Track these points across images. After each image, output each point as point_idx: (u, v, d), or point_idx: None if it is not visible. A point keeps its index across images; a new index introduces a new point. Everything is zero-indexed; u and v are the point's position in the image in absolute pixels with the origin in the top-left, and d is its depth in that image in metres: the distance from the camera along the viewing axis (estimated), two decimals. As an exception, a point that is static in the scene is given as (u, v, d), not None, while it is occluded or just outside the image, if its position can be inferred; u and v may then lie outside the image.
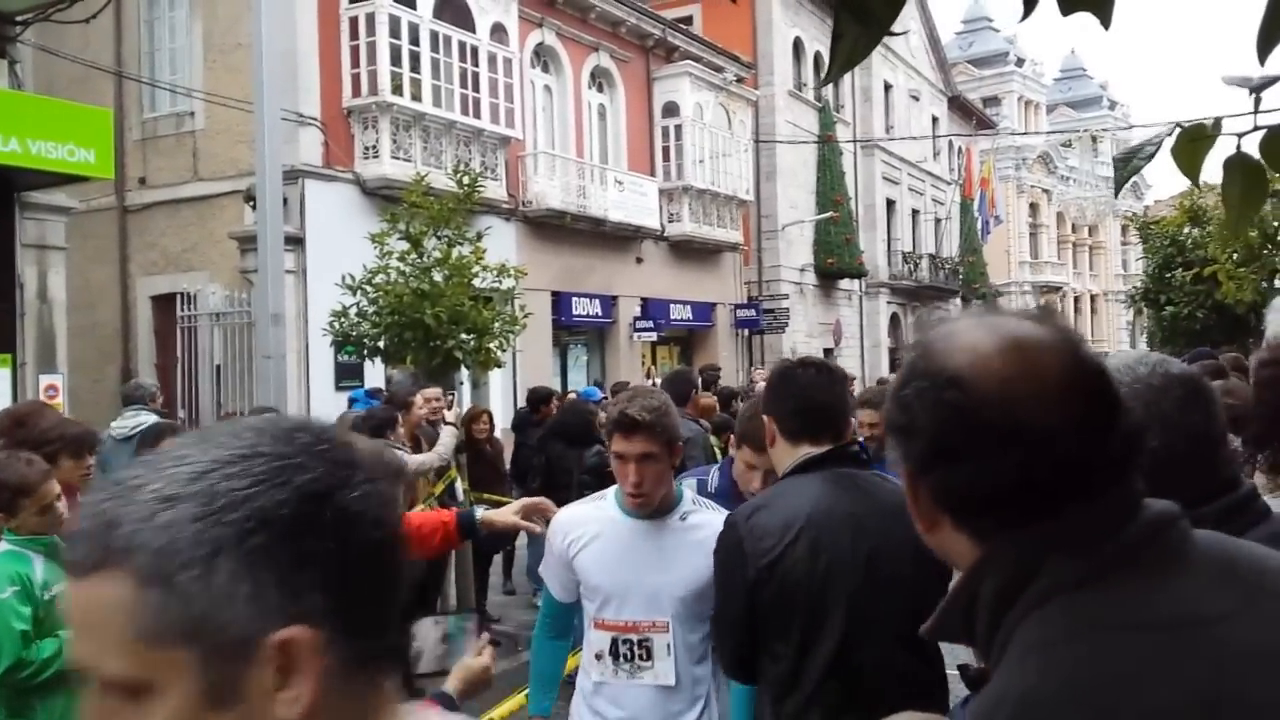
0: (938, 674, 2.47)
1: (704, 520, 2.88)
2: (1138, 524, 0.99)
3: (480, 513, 3.28)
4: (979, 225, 37.85)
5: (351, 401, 8.99)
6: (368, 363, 12.12)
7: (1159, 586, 0.96)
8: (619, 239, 19.91)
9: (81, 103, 9.53)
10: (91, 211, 13.15)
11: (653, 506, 2.86)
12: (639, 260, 20.68)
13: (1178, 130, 1.73)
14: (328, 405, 12.02)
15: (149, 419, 7.09)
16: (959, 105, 40.06)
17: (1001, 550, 1.00)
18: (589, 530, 2.95)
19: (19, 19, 9.37)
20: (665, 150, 21.49)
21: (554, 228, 17.98)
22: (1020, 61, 53.70)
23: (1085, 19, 1.29)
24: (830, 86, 28.60)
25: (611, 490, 3.01)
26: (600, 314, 19.69)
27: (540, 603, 3.23)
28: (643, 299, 20.79)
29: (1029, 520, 0.98)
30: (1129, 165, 1.76)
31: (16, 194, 9.36)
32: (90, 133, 8.75)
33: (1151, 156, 1.76)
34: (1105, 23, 1.38)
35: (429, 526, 3.27)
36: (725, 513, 2.72)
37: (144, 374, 14.83)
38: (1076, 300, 53.32)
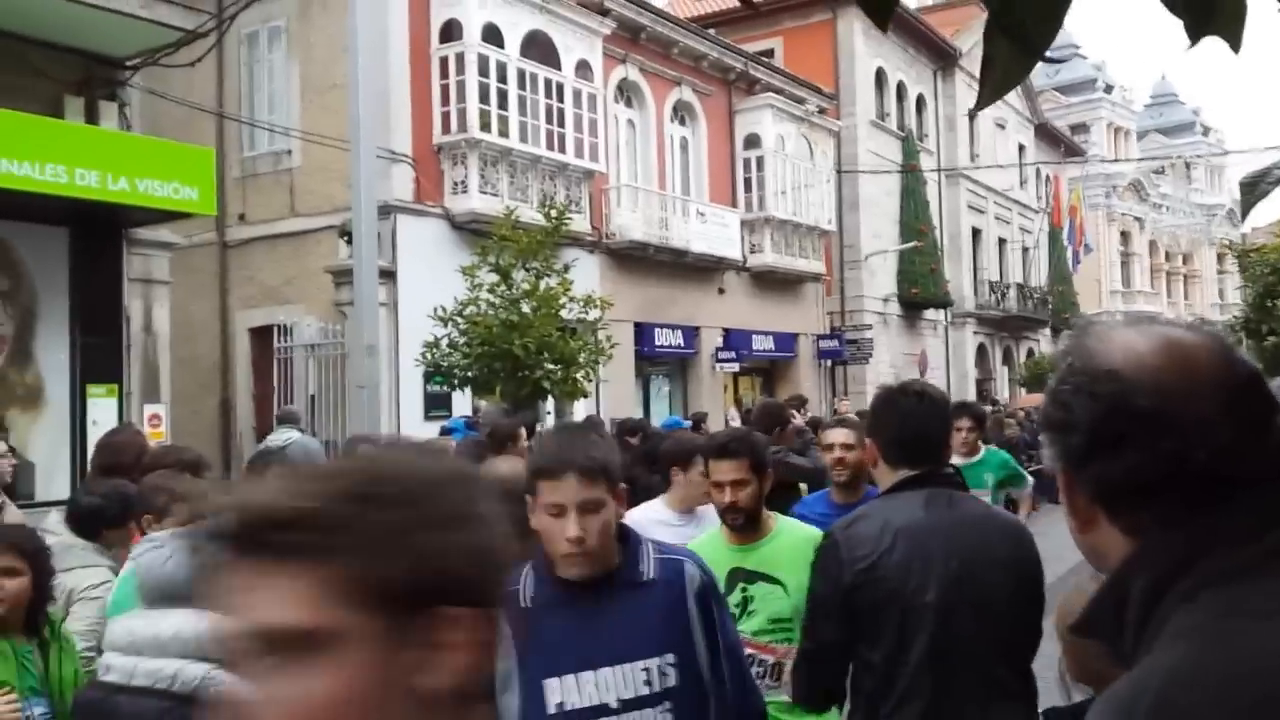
0: (1030, 687, 2.62)
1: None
2: None
3: None
4: (1068, 254, 37.08)
5: (449, 431, 9.11)
6: (456, 393, 12.33)
7: None
8: (701, 270, 19.95)
9: (185, 143, 9.87)
10: (194, 247, 13.58)
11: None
12: (721, 291, 20.69)
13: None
14: (418, 434, 12.22)
15: (296, 435, 9.23)
16: (1046, 133, 39.39)
17: (1154, 546, 1.00)
18: None
19: (128, 64, 9.77)
20: (747, 182, 21.52)
21: (636, 259, 18.10)
22: (1109, 88, 52.69)
23: (1174, 45, 1.26)
24: (914, 116, 28.42)
25: None
26: (682, 345, 19.71)
27: None
28: (725, 329, 20.77)
29: (1186, 514, 0.99)
30: (1256, 190, 1.72)
31: (124, 230, 9.72)
32: (193, 171, 9.03)
33: (1280, 181, 1.72)
34: (1235, 46, 1.36)
35: None
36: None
37: (242, 404, 15.30)
38: (1170, 330, 51.76)
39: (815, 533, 3.25)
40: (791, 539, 3.43)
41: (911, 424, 2.76)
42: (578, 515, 2.24)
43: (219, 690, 1.20)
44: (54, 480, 8.78)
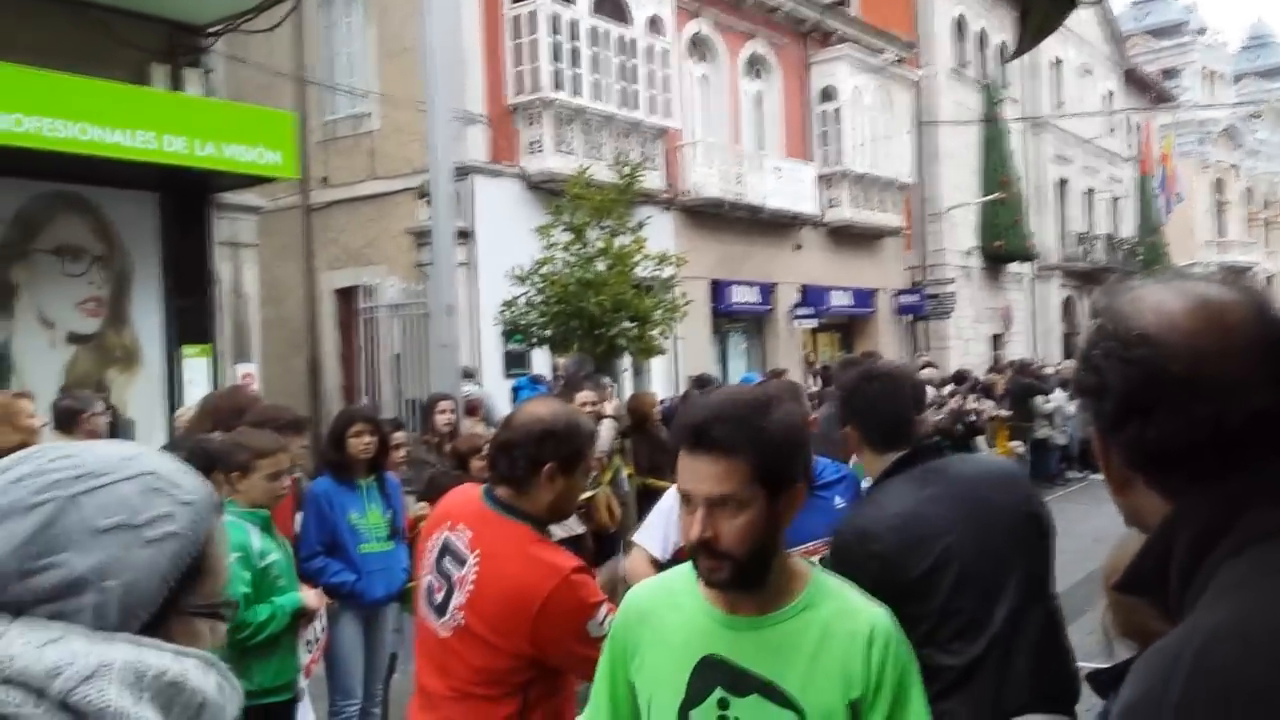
0: (1056, 623, 2.71)
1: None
2: None
3: None
4: (1159, 204, 35.94)
5: (516, 390, 9.26)
6: (534, 351, 12.49)
7: None
8: (777, 226, 19.79)
9: (267, 107, 10.08)
10: (278, 210, 13.88)
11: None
12: (798, 247, 20.52)
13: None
14: (498, 391, 12.43)
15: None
16: (1135, 78, 38.05)
17: (1195, 505, 1.01)
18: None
19: (210, 31, 9.99)
20: (823, 135, 21.22)
21: (711, 216, 18.03)
22: (1201, 30, 50.63)
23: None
24: (996, 64, 27.71)
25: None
26: (759, 301, 19.63)
27: None
28: (802, 286, 20.62)
29: (1222, 475, 0.99)
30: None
31: (211, 195, 10.00)
32: (276, 136, 9.17)
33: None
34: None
35: None
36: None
37: (329, 364, 15.71)
38: (1269, 281, 49.99)
39: (876, 613, 1.87)
40: (831, 620, 1.83)
41: (885, 408, 2.84)
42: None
43: None
44: (152, 437, 9.12)
